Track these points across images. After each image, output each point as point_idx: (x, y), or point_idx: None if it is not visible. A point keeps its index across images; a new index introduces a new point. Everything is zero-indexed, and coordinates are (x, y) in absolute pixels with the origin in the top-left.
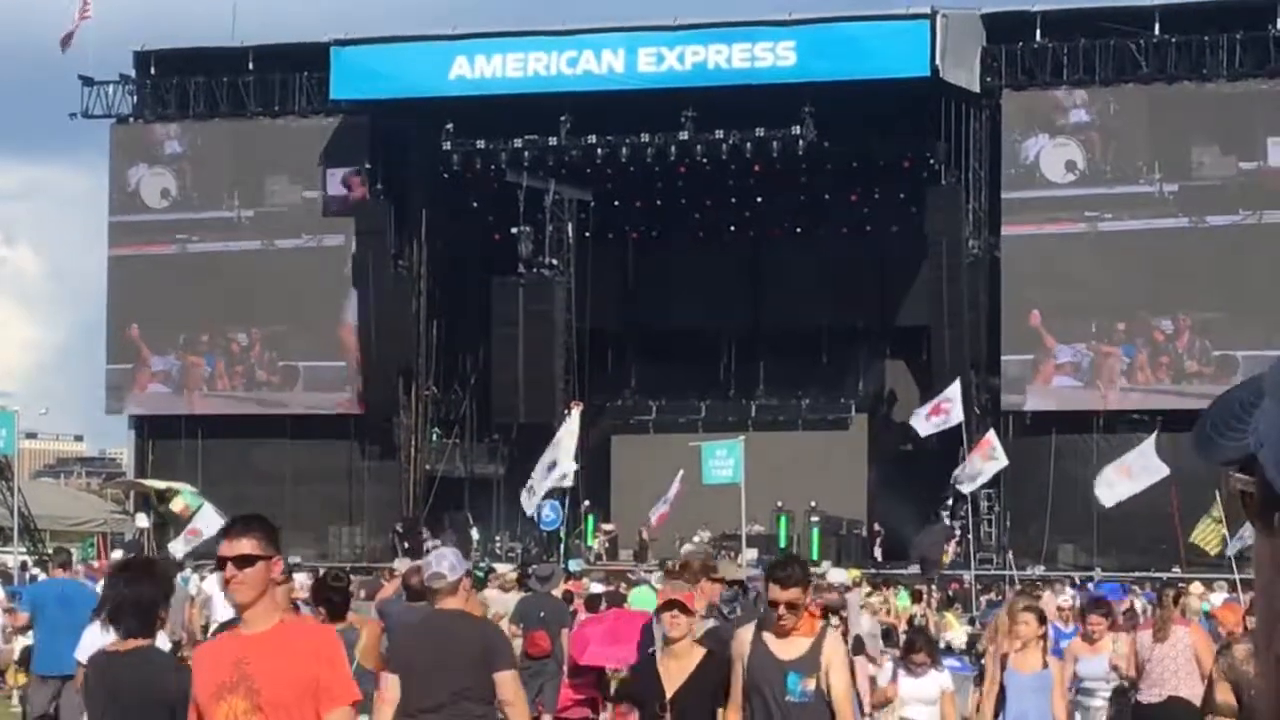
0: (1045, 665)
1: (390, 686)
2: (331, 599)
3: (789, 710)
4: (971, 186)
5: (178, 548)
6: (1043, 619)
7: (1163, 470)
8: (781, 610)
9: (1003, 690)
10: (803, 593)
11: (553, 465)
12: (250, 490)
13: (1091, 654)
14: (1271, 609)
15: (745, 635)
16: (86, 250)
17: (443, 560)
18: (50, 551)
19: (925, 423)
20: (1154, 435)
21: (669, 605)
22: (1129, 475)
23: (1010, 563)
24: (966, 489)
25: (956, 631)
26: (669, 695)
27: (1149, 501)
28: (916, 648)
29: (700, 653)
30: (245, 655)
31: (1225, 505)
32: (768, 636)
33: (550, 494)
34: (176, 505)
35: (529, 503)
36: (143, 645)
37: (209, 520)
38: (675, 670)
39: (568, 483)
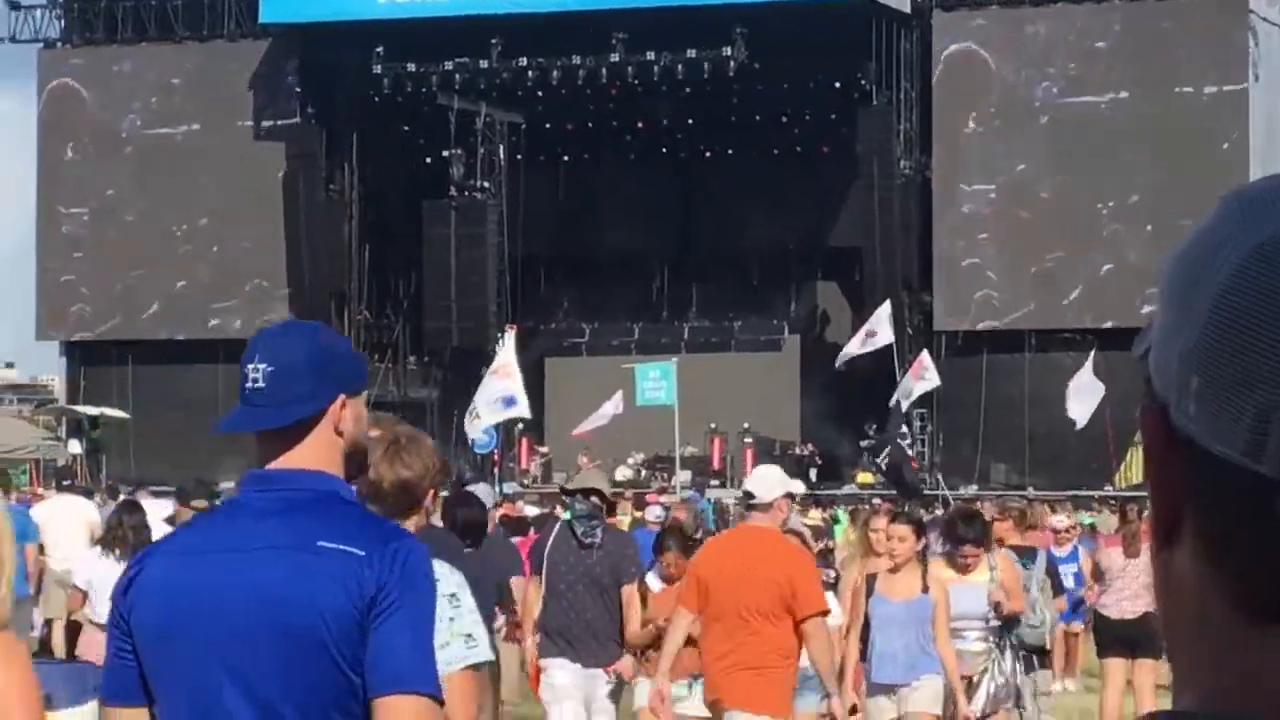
0: (925, 589)
1: None
2: None
3: None
4: (902, 107)
5: None
6: (921, 532)
7: (1099, 389)
8: None
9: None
10: None
11: (510, 400)
12: (183, 415)
13: (963, 585)
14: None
15: None
16: (14, 176)
17: None
18: None
19: (857, 346)
20: (1092, 354)
21: None
22: (1076, 394)
23: (942, 483)
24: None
25: None
26: None
27: None
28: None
29: None
30: None
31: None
32: None
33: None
34: None
35: (473, 427)
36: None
37: None
38: None
39: (525, 413)
